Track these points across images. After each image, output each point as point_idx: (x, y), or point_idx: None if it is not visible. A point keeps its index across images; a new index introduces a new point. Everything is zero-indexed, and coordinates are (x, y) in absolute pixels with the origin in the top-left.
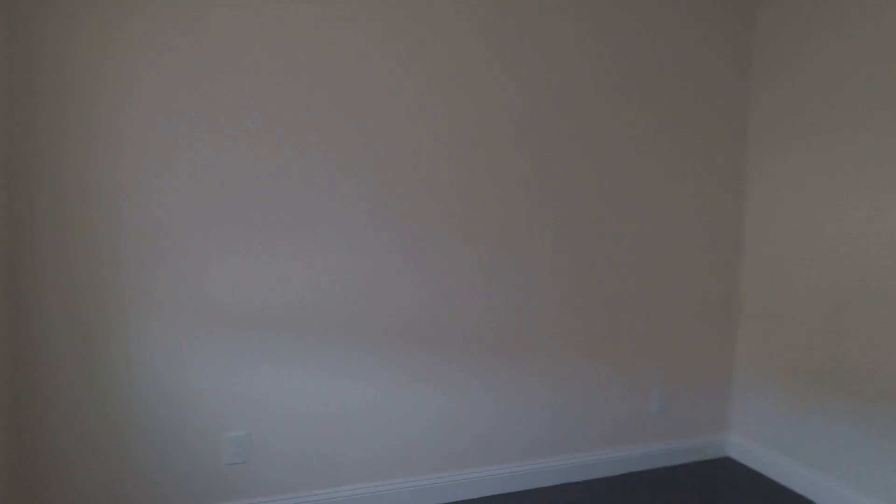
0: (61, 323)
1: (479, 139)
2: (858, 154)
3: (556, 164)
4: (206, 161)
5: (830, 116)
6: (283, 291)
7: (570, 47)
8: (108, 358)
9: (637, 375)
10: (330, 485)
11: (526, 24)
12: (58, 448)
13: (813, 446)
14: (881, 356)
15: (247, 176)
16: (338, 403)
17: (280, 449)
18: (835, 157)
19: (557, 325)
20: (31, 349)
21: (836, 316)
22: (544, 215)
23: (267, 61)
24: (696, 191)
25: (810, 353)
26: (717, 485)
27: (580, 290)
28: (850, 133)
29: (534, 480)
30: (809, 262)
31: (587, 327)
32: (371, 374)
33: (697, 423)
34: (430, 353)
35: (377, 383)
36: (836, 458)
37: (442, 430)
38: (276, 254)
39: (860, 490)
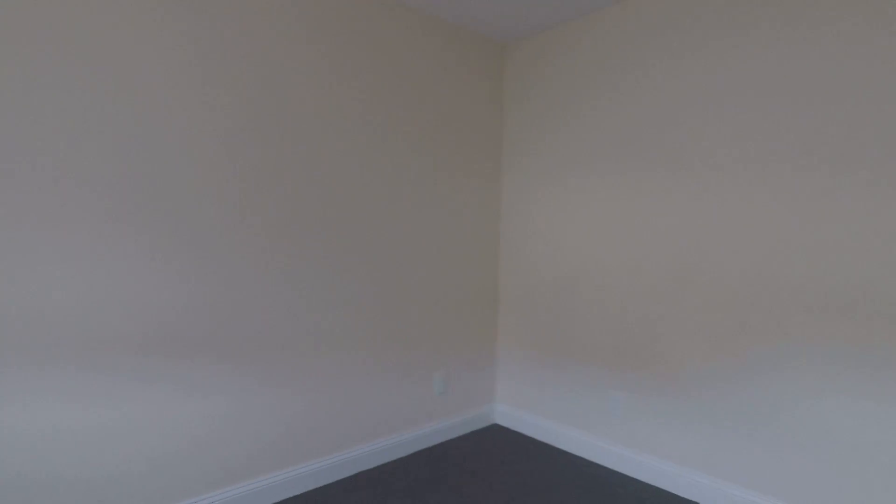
0: None
1: (266, 136)
2: (578, 170)
3: (340, 168)
4: None
5: (556, 140)
6: None
7: (357, 80)
8: None
9: (420, 363)
10: None
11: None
12: None
13: (553, 402)
14: (586, 327)
15: None
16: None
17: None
18: (561, 174)
19: (343, 322)
20: None
21: (564, 297)
22: (326, 216)
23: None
24: (465, 201)
25: (546, 328)
26: (488, 447)
27: (366, 288)
28: (570, 153)
29: (329, 476)
30: (545, 256)
31: (372, 322)
32: (108, 392)
33: (471, 398)
34: (199, 360)
35: (119, 402)
36: (570, 409)
37: (219, 439)
38: None
39: (586, 431)
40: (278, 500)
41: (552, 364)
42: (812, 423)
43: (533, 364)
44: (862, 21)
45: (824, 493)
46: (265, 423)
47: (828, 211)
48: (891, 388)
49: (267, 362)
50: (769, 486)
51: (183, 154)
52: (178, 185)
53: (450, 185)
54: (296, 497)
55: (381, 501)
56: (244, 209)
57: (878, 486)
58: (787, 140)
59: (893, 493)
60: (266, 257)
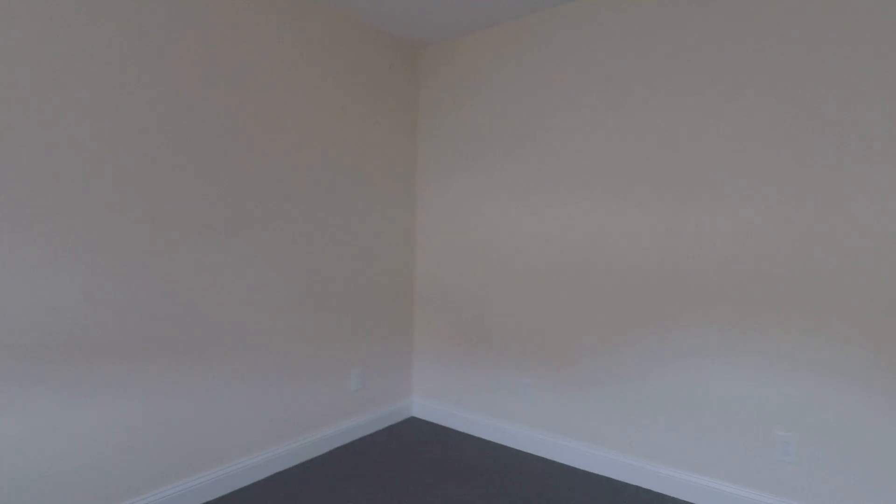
0: None
1: (168, 132)
2: (489, 169)
3: (251, 165)
4: None
5: (469, 140)
6: None
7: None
8: None
9: (338, 359)
10: None
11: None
12: None
13: (468, 393)
14: (498, 319)
15: None
16: None
17: None
18: (473, 173)
19: (255, 321)
20: None
21: (478, 294)
22: (237, 214)
23: None
24: (381, 198)
25: (461, 322)
26: (405, 440)
27: (281, 287)
28: (482, 153)
29: (242, 479)
30: (459, 251)
31: (287, 320)
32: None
33: (389, 393)
34: (99, 366)
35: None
36: (484, 398)
37: (123, 448)
38: None
39: (500, 417)
40: None
41: (467, 356)
42: (690, 391)
43: (448, 357)
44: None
45: (692, 450)
46: (171, 428)
47: (694, 212)
48: (750, 361)
49: (172, 365)
50: (654, 453)
51: (77, 154)
52: (73, 184)
53: (366, 183)
54: None
55: (297, 500)
56: (147, 206)
57: (726, 434)
58: (664, 141)
59: (740, 440)
60: (170, 256)
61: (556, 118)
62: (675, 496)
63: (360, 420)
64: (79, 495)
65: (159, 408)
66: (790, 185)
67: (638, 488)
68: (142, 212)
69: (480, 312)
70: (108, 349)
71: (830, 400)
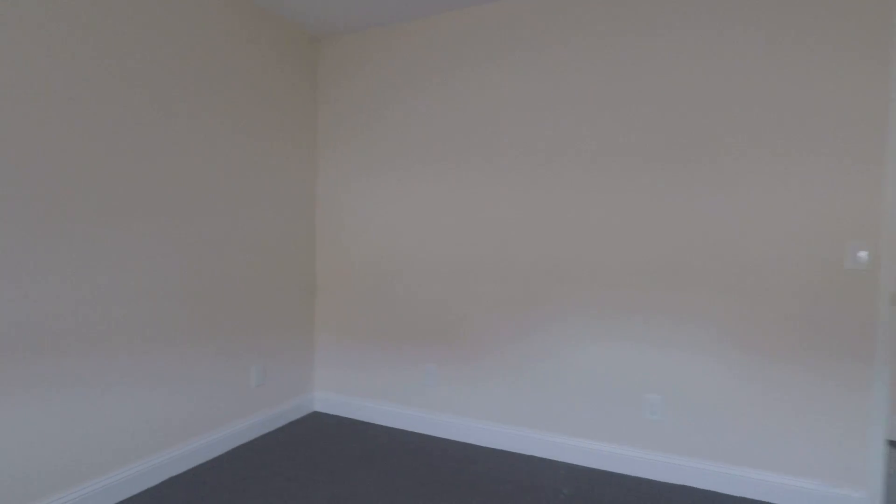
0: None
1: (44, 116)
2: (391, 163)
3: (143, 155)
4: None
5: (372, 132)
6: None
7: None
8: None
9: (236, 356)
10: None
11: None
12: None
13: (372, 383)
14: (401, 308)
15: None
16: None
17: None
18: (375, 166)
19: (144, 317)
20: None
21: (381, 286)
22: (127, 206)
23: None
24: (278, 190)
25: (364, 313)
26: (309, 435)
27: (174, 280)
28: (385, 146)
29: (132, 487)
30: (360, 243)
31: (181, 316)
32: None
33: (291, 388)
34: None
35: None
36: (389, 387)
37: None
38: None
39: (405, 405)
40: None
41: (371, 346)
42: (579, 368)
43: (352, 348)
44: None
45: (579, 419)
46: (48, 435)
47: (580, 209)
48: (627, 339)
49: (49, 365)
50: (549, 424)
51: None
52: None
53: (263, 178)
54: None
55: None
56: (25, 194)
57: (607, 402)
58: (554, 146)
59: (619, 406)
60: (46, 247)
61: (463, 122)
62: (567, 461)
63: (261, 417)
64: None
65: (32, 413)
66: (656, 183)
67: (532, 458)
68: (21, 207)
69: (384, 304)
70: None
71: (689, 367)
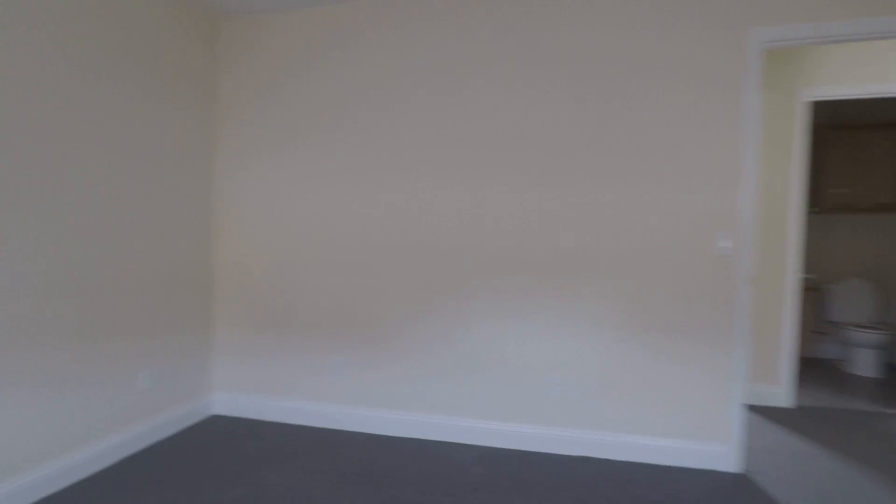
0: None
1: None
2: (291, 148)
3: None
4: None
5: (270, 117)
6: None
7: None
8: None
9: (123, 358)
10: None
11: None
12: None
13: (277, 380)
14: (305, 303)
15: None
16: None
17: None
18: (275, 152)
19: (28, 318)
20: None
21: (283, 281)
22: (10, 193)
23: None
24: (171, 181)
25: (266, 308)
26: (206, 439)
27: (48, 274)
28: (283, 132)
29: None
30: (261, 236)
31: (54, 317)
32: None
33: (186, 391)
34: None
35: None
36: (294, 383)
37: None
38: None
39: (313, 400)
40: None
41: (274, 344)
42: (486, 353)
43: (255, 346)
44: None
45: (489, 402)
46: None
47: (490, 194)
48: (532, 324)
49: None
50: (458, 409)
51: None
52: None
53: (151, 167)
54: None
55: None
56: None
57: (514, 384)
58: (477, 129)
59: (525, 387)
60: None
61: (366, 106)
62: (479, 444)
63: (153, 423)
64: None
65: None
66: (562, 177)
67: (445, 443)
68: None
69: (286, 299)
70: None
71: (585, 347)
